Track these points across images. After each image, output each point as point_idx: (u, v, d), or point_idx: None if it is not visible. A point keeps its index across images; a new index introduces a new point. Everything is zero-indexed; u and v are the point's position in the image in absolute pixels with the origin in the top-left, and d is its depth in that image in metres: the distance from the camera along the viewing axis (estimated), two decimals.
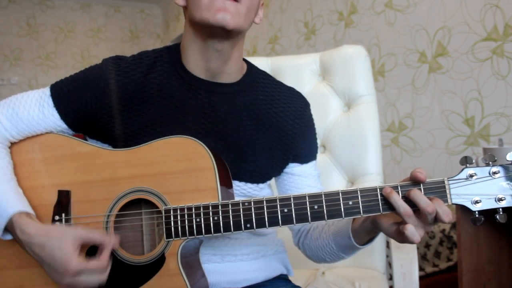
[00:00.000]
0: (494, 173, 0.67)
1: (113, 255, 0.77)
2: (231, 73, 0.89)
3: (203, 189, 0.76)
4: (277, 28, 3.48)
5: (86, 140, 0.88)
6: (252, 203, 0.73)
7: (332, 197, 0.71)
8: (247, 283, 0.89)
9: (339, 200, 0.71)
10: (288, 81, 0.99)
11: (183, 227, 0.75)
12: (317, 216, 0.72)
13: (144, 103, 0.85)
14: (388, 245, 1.35)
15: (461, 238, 1.22)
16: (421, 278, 1.66)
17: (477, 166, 0.69)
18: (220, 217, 0.74)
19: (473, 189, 0.68)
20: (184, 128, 0.84)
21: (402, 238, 0.69)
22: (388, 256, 1.36)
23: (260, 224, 0.73)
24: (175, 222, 0.75)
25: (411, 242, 0.68)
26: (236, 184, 0.86)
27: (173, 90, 0.86)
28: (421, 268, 1.93)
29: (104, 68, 0.87)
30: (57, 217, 0.80)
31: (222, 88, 0.88)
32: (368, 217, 0.76)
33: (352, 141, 1.38)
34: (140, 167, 0.79)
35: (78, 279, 0.71)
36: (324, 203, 0.71)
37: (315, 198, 0.72)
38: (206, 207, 0.74)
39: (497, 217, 0.67)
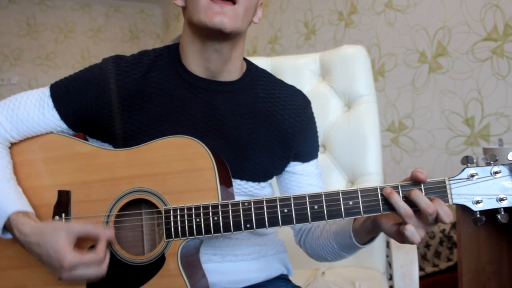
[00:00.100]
0: (496, 172, 0.67)
1: (113, 255, 0.77)
2: (231, 72, 0.89)
3: (203, 189, 0.76)
4: (277, 28, 3.47)
5: (86, 140, 0.88)
6: (252, 203, 0.73)
7: (332, 197, 0.71)
8: (248, 283, 0.89)
9: (340, 200, 0.71)
10: (288, 81, 0.99)
11: (183, 227, 0.75)
12: (317, 216, 0.71)
13: (144, 102, 0.85)
14: (388, 245, 1.35)
15: (461, 238, 1.22)
16: (421, 278, 1.66)
17: (477, 166, 0.69)
18: (220, 217, 0.74)
19: (474, 189, 0.68)
20: (185, 127, 0.84)
21: (402, 238, 0.69)
22: (388, 256, 1.36)
23: (260, 224, 0.73)
24: (175, 222, 0.75)
25: (411, 243, 0.68)
26: (237, 183, 0.86)
27: (173, 89, 0.86)
28: (421, 268, 1.93)
29: (104, 67, 0.86)
30: (57, 217, 0.80)
31: (222, 86, 0.88)
32: (368, 217, 0.76)
33: (352, 141, 1.38)
34: (140, 167, 0.79)
35: (74, 273, 0.71)
36: (324, 203, 0.71)
37: (315, 198, 0.72)
38: (206, 207, 0.74)
39: (499, 217, 0.67)
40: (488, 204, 0.67)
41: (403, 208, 0.67)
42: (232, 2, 0.78)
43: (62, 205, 0.80)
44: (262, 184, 0.90)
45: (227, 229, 0.73)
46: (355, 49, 1.43)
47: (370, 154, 1.36)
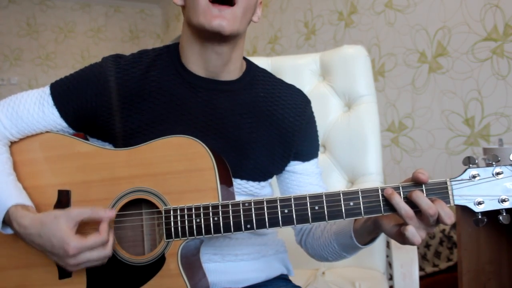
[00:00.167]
0: (498, 173, 0.67)
1: (113, 255, 0.77)
2: (231, 72, 0.89)
3: (203, 189, 0.76)
4: (277, 28, 3.47)
5: (87, 139, 0.88)
6: (253, 203, 0.73)
7: (333, 197, 0.71)
8: (248, 283, 0.88)
9: (340, 201, 0.71)
10: (288, 81, 0.99)
11: (183, 228, 0.75)
12: (318, 217, 0.71)
13: (144, 101, 0.85)
14: (388, 245, 1.35)
15: (461, 238, 1.22)
16: (421, 278, 1.66)
17: (478, 167, 0.68)
18: (220, 217, 0.74)
19: (476, 190, 0.67)
20: (184, 126, 0.84)
21: (403, 239, 0.69)
22: (388, 256, 1.36)
23: (261, 224, 0.73)
24: (175, 223, 0.75)
25: (412, 244, 0.68)
26: (237, 182, 0.86)
27: (173, 88, 0.86)
28: (421, 268, 1.93)
29: (104, 66, 0.86)
30: None
31: (222, 86, 0.88)
32: (369, 217, 0.75)
33: (352, 141, 1.38)
34: (140, 167, 0.79)
35: (80, 258, 0.71)
36: (325, 203, 0.71)
37: (316, 198, 0.71)
38: (206, 208, 0.74)
39: (500, 218, 0.66)
40: (489, 205, 0.67)
41: (404, 209, 0.67)
42: (230, 4, 0.78)
43: (62, 204, 0.80)
44: (262, 183, 0.90)
45: (227, 229, 0.73)
46: (355, 49, 1.43)
47: (370, 154, 1.36)
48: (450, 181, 0.68)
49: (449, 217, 0.66)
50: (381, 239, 1.32)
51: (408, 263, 1.18)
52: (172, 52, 0.90)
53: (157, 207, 0.77)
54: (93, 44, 5.75)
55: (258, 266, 0.90)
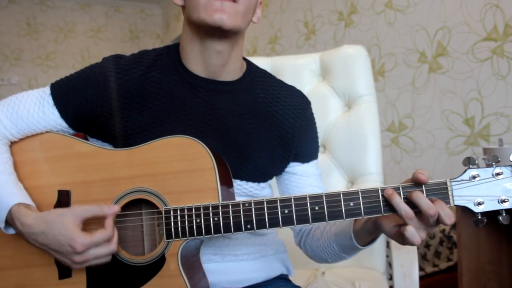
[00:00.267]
0: (498, 174, 0.67)
1: (114, 256, 0.77)
2: (231, 72, 0.89)
3: (203, 189, 0.76)
4: (277, 28, 3.47)
5: (87, 139, 0.88)
6: (253, 203, 0.73)
7: (333, 198, 0.71)
8: (248, 283, 0.89)
9: (340, 201, 0.71)
10: (288, 81, 0.99)
11: (183, 228, 0.75)
12: (318, 217, 0.71)
13: (144, 101, 0.85)
14: (388, 245, 1.35)
15: (461, 238, 1.22)
16: (421, 278, 1.66)
17: (479, 167, 0.68)
18: (220, 217, 0.74)
19: (475, 191, 0.67)
20: (184, 127, 0.84)
21: (403, 239, 0.69)
22: (388, 256, 1.36)
23: (261, 225, 0.73)
24: (175, 223, 0.75)
25: (412, 244, 0.68)
26: (237, 183, 0.86)
27: (173, 88, 0.86)
28: (421, 268, 1.93)
29: (104, 66, 0.86)
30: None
31: (222, 86, 0.88)
32: (369, 218, 0.76)
33: (352, 141, 1.38)
34: (140, 167, 0.79)
35: (87, 255, 0.71)
36: (325, 204, 0.71)
37: (316, 199, 0.71)
38: (206, 208, 0.74)
39: (500, 218, 0.66)
40: (489, 205, 0.67)
41: (404, 209, 0.67)
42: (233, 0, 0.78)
43: (62, 205, 0.80)
44: (262, 184, 0.90)
45: (227, 229, 0.73)
46: (355, 49, 1.42)
47: (370, 154, 1.36)
48: (450, 182, 0.68)
49: (449, 217, 0.66)
50: (381, 239, 1.32)
51: (408, 263, 1.18)
52: (172, 52, 0.90)
53: (157, 207, 0.77)
54: (93, 44, 5.75)
55: (258, 266, 0.90)
